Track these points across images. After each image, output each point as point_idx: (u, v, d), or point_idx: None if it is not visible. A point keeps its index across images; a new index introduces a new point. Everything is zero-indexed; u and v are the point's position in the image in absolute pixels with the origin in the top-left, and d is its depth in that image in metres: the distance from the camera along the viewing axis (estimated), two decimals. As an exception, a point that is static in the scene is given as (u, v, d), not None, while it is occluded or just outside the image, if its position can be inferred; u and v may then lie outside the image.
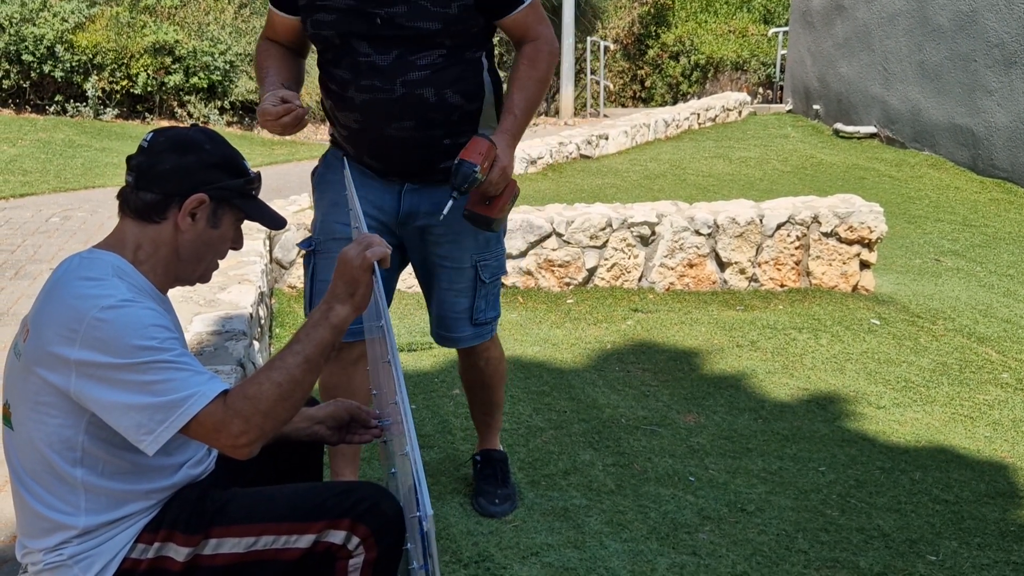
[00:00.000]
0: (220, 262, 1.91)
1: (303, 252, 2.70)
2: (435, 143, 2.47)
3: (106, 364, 1.60)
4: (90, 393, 1.61)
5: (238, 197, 1.81)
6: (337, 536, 1.76)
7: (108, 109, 11.32)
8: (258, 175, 1.87)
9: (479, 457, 2.99)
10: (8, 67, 10.95)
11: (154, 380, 1.60)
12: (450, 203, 2.35)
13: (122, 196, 1.79)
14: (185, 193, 1.75)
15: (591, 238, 5.40)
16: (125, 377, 1.60)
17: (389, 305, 2.80)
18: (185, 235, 1.77)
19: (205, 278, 1.89)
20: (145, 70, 11.08)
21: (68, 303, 1.64)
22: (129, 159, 1.79)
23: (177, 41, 11.11)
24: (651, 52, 19.77)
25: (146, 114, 11.57)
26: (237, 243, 1.88)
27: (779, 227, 5.54)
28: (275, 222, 1.90)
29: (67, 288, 1.66)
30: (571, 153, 10.47)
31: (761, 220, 5.53)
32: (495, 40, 2.82)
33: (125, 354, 1.59)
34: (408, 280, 5.17)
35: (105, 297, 1.63)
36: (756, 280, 5.58)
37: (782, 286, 5.58)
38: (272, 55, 2.53)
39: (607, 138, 11.04)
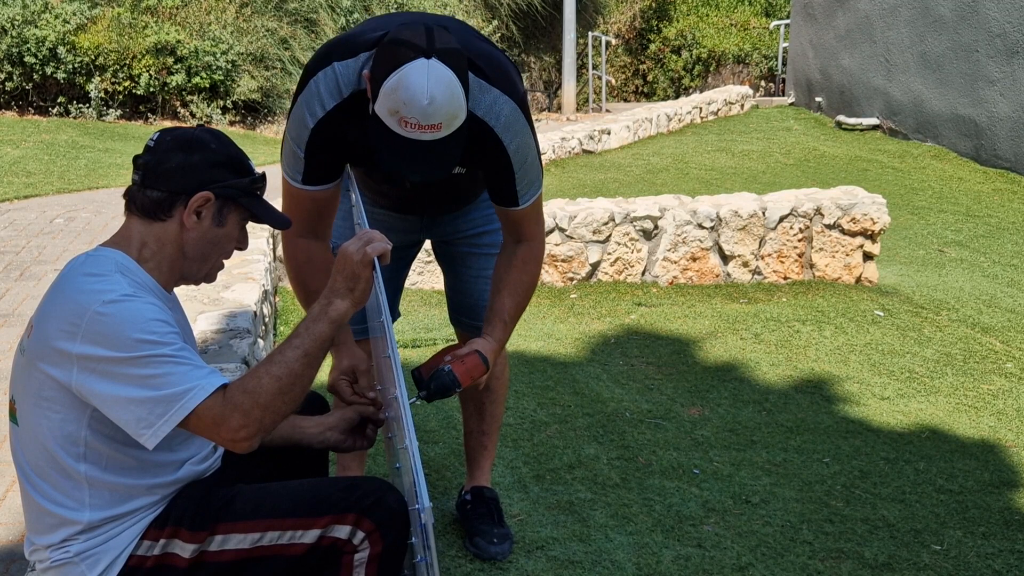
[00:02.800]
0: (225, 261, 1.91)
1: None
2: (464, 193, 2.48)
3: (107, 358, 1.61)
4: (91, 387, 1.63)
5: (244, 196, 1.82)
6: (342, 531, 1.77)
7: (111, 110, 11.33)
8: (263, 175, 1.87)
9: (468, 495, 2.76)
10: (11, 69, 10.96)
11: (154, 374, 1.61)
12: (415, 401, 2.21)
13: (128, 195, 1.80)
14: (191, 191, 1.76)
15: (594, 233, 5.41)
16: (125, 371, 1.61)
17: (399, 300, 2.79)
18: (190, 233, 1.78)
19: (210, 277, 1.89)
20: (147, 70, 11.09)
21: (70, 298, 1.65)
22: (136, 158, 1.80)
23: (179, 41, 11.11)
24: (653, 46, 19.76)
25: (149, 114, 11.58)
26: (242, 243, 1.89)
27: (782, 220, 5.54)
28: (280, 222, 1.90)
29: (70, 284, 1.68)
30: (573, 148, 10.47)
31: (764, 213, 5.53)
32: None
33: (125, 348, 1.60)
34: (410, 277, 5.18)
35: (107, 292, 1.64)
36: (759, 273, 5.58)
37: (785, 278, 5.58)
38: (319, 273, 2.20)
39: (609, 133, 11.04)
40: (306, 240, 2.29)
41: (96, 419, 1.67)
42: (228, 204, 1.81)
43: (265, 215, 1.86)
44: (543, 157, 9.76)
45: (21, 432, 1.74)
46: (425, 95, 1.85)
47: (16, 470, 1.79)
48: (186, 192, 1.76)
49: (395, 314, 2.75)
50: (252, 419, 1.64)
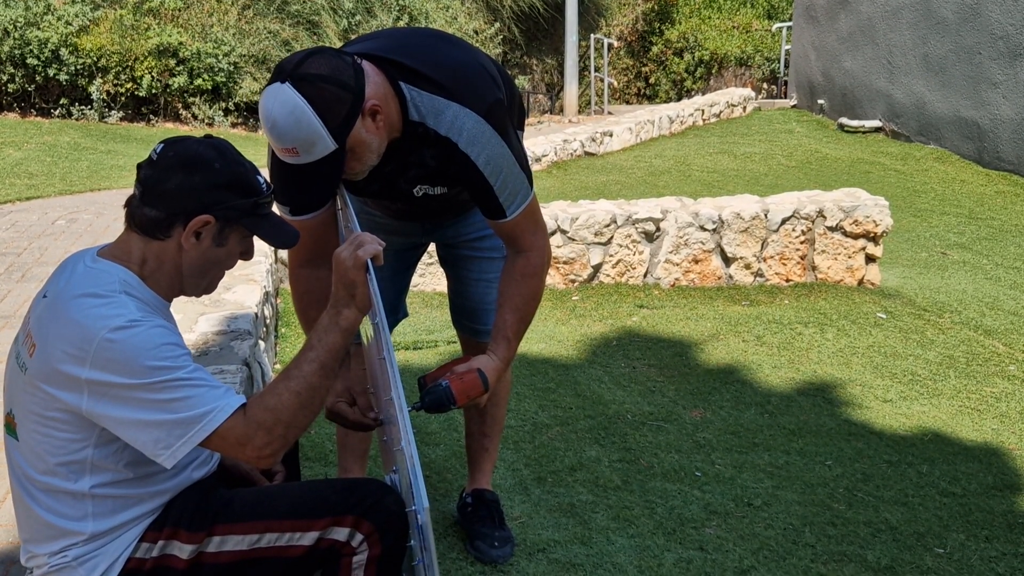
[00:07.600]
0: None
1: None
2: (463, 203, 2.45)
3: (120, 384, 1.59)
4: (104, 411, 1.61)
5: (246, 217, 1.76)
6: (341, 533, 1.77)
7: (113, 112, 11.35)
8: (271, 190, 1.80)
9: (470, 498, 2.75)
10: (13, 71, 10.97)
11: (171, 398, 1.60)
12: (409, 411, 2.14)
13: (129, 207, 1.75)
14: (189, 213, 1.71)
15: (596, 235, 5.40)
16: (141, 396, 1.60)
17: (404, 300, 2.78)
18: (189, 253, 1.74)
19: (210, 290, 1.85)
20: (149, 72, 11.10)
21: (76, 321, 1.61)
22: (139, 167, 1.74)
23: (181, 43, 11.12)
24: (655, 49, 19.77)
25: (151, 116, 11.60)
26: (247, 255, 1.83)
27: (784, 222, 5.53)
28: (284, 241, 1.83)
29: (74, 305, 1.64)
30: (576, 150, 10.46)
31: (766, 215, 5.52)
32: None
33: (139, 375, 1.59)
34: (412, 278, 5.17)
35: (114, 317, 1.61)
36: (761, 275, 5.57)
37: (787, 281, 5.56)
38: (318, 303, 2.05)
39: (611, 135, 11.03)
40: (307, 270, 2.27)
41: (103, 437, 1.66)
42: (229, 225, 1.75)
43: (267, 235, 1.80)
44: (545, 159, 9.79)
45: (21, 446, 1.72)
46: (268, 118, 1.89)
47: (13, 482, 1.77)
48: (184, 214, 1.70)
49: (402, 313, 2.75)
50: (276, 435, 1.65)
